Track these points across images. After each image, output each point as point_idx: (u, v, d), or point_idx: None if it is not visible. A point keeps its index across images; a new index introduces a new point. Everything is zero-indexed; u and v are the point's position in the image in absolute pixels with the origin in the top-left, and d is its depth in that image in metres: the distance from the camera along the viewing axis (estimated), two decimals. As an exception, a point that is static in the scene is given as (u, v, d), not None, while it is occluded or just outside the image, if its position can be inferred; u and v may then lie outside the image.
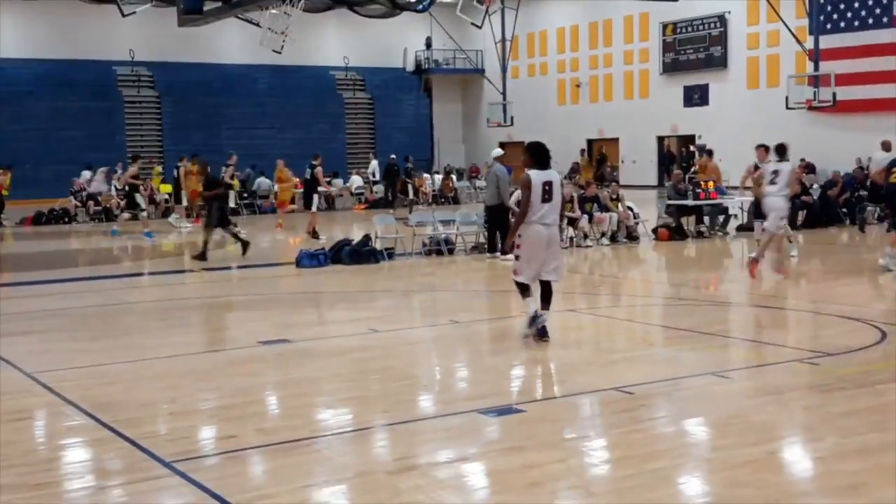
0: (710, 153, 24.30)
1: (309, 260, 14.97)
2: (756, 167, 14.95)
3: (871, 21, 32.32)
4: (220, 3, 23.31)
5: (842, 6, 32.97)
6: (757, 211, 15.22)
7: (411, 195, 27.02)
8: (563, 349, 8.94)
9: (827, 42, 31.94)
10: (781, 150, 13.86)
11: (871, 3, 32.24)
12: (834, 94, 30.00)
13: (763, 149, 14.90)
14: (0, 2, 35.22)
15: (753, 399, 6.84)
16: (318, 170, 21.17)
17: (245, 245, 16.73)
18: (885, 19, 31.95)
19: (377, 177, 33.03)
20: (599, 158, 39.97)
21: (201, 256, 16.02)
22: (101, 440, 6.10)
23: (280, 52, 25.73)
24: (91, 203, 27.45)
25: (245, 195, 29.64)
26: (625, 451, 5.73)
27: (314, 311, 11.29)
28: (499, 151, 16.96)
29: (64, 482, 5.43)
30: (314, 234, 19.64)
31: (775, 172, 13.18)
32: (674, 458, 5.57)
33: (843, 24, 32.92)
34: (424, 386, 7.67)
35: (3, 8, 36.66)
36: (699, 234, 17.33)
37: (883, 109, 31.65)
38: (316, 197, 21.02)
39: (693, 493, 5.16)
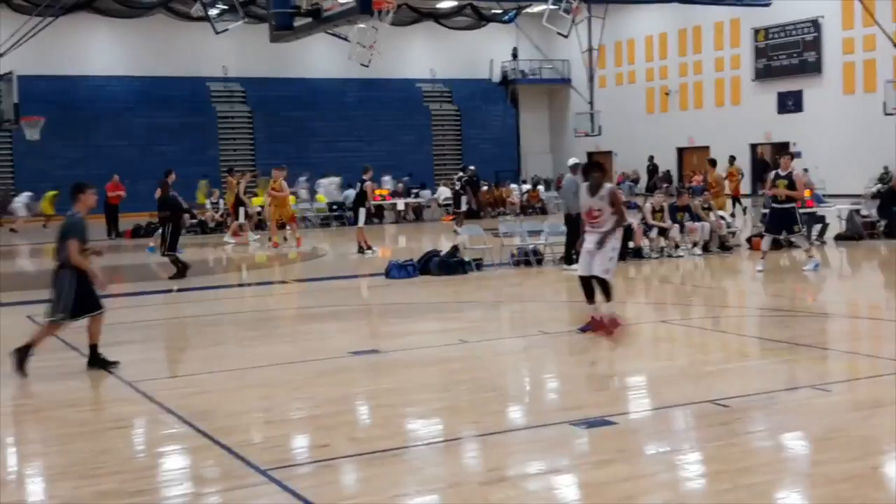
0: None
1: (398, 271, 15.07)
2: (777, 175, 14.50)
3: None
4: (310, 19, 23.69)
5: (942, 7, 31.91)
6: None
7: (464, 206, 26.26)
8: (656, 361, 8.82)
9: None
10: None
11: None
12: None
13: (789, 157, 14.87)
14: (100, 21, 36.40)
15: (854, 413, 6.65)
16: (368, 184, 20.14)
17: (182, 269, 15.82)
18: None
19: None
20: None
21: (179, 274, 15.59)
22: (198, 448, 6.22)
23: (368, 66, 25.99)
24: (187, 216, 28.11)
25: (335, 207, 29.96)
26: (720, 465, 5.61)
27: (403, 321, 11.35)
28: (575, 160, 16.81)
29: (162, 489, 5.56)
30: (364, 249, 19.25)
31: None
32: (771, 472, 5.43)
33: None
34: (514, 397, 7.64)
35: (102, 26, 37.89)
36: (790, 244, 16.90)
37: None
38: (363, 211, 20.02)
39: (793, 508, 5.03)
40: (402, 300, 13.09)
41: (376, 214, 29.07)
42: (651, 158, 41.24)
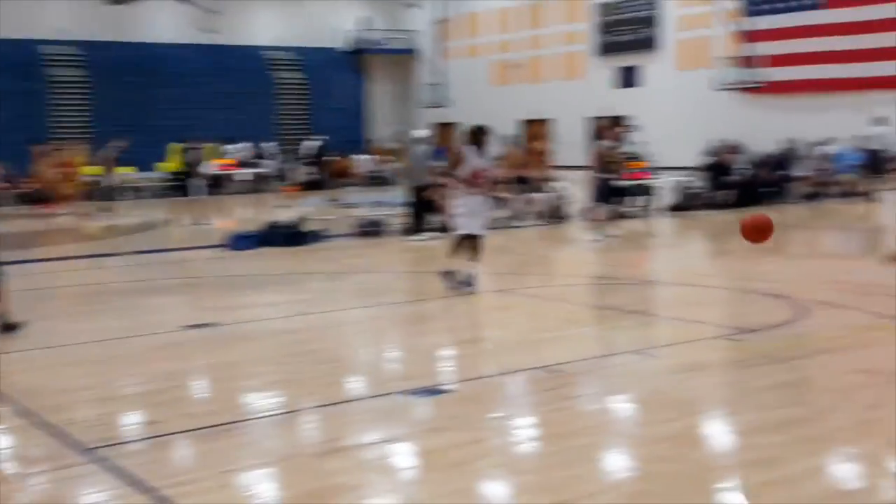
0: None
1: (240, 242, 14.85)
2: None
3: (801, 3, 32.91)
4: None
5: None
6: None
7: (304, 177, 25.86)
8: (492, 329, 9.02)
9: (758, 24, 32.41)
10: None
11: (801, -16, 32.79)
12: (764, 76, 30.48)
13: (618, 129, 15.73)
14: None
15: (675, 375, 6.98)
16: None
17: None
18: (815, 1, 32.57)
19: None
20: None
21: None
22: (23, 427, 6.00)
23: (217, 33, 25.25)
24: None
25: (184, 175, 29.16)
26: (548, 429, 5.81)
27: (243, 294, 11.20)
28: (422, 132, 17.13)
29: (-19, 471, 5.34)
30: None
31: None
32: (596, 434, 5.67)
33: (774, 6, 33.47)
34: (351, 368, 7.68)
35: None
36: (621, 216, 17.51)
37: (813, 90, 32.31)
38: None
39: (614, 468, 5.26)
40: (243, 272, 12.92)
41: (218, 185, 28.51)
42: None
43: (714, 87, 31.86)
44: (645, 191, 19.36)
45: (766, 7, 33.24)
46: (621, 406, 6.39)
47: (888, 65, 30.42)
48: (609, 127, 16.44)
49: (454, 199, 10.46)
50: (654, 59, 37.47)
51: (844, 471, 5.10)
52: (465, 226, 10.38)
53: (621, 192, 15.44)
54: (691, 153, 26.40)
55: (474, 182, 10.30)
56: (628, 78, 38.45)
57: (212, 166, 29.93)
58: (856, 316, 8.88)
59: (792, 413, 5.91)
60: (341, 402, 6.53)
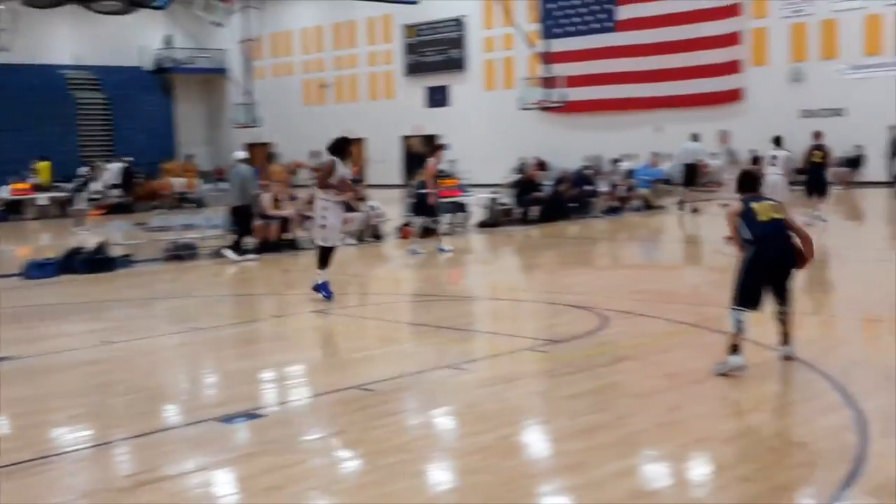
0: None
1: (37, 270, 14.12)
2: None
3: (596, 26, 34.52)
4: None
5: (570, 11, 35.00)
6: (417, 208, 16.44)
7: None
8: (307, 350, 8.96)
9: (557, 45, 33.74)
10: (777, 141, 18.66)
11: (596, 9, 34.41)
12: (564, 95, 31.71)
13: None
14: None
15: (489, 388, 7.14)
16: None
17: None
18: (609, 24, 34.22)
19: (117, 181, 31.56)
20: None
21: None
22: None
23: (7, 50, 24.01)
24: None
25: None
26: (365, 448, 5.82)
27: (41, 324, 10.63)
28: (242, 153, 16.95)
29: None
30: None
31: (774, 157, 17.70)
32: (413, 450, 5.72)
33: (571, 29, 34.96)
34: (161, 396, 7.43)
35: None
36: (433, 232, 17.81)
37: (609, 109, 33.93)
38: None
39: (430, 483, 5.33)
40: (41, 301, 12.29)
41: (14, 210, 27.07)
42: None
43: (519, 107, 32.89)
44: (457, 208, 19.72)
45: (562, 30, 34.70)
46: (437, 421, 6.48)
47: (677, 84, 32.36)
48: (438, 146, 17.05)
49: (321, 210, 11.07)
50: (462, 79, 38.37)
51: (649, 471, 5.36)
52: (331, 238, 11.17)
53: (437, 209, 16.17)
54: (500, 170, 27.18)
55: (342, 191, 11.11)
56: (438, 97, 39.20)
57: (6, 191, 28.34)
58: (656, 323, 9.34)
59: (598, 419, 6.16)
60: (152, 433, 6.31)
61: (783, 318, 7.36)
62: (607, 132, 33.35)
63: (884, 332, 9.09)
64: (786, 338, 7.44)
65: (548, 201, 21.07)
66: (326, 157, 11.33)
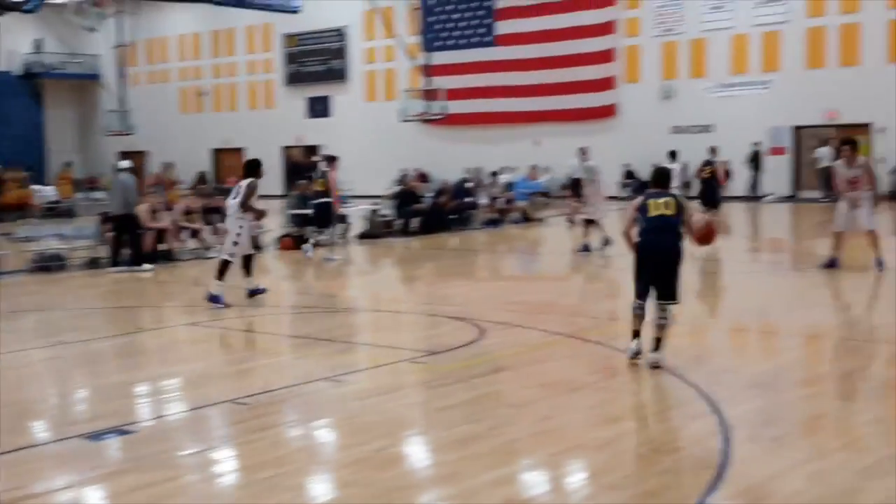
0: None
1: None
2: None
3: (476, 40, 34.95)
4: None
5: (450, 25, 35.35)
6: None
7: None
8: (182, 364, 8.78)
9: (438, 58, 34.01)
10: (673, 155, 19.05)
11: (475, 23, 34.84)
12: (444, 108, 31.97)
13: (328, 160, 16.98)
14: None
15: (367, 400, 7.14)
16: None
17: None
18: (488, 39, 34.69)
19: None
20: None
21: None
22: None
23: None
24: None
25: None
26: (241, 462, 5.76)
27: None
28: (125, 162, 16.61)
29: None
30: None
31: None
32: (289, 464, 5.68)
33: (451, 42, 35.30)
34: (28, 413, 7.17)
35: None
36: (317, 244, 17.74)
37: (489, 122, 34.38)
38: None
39: (306, 497, 5.30)
40: None
41: None
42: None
43: (400, 119, 33.01)
44: (339, 219, 19.64)
45: (443, 43, 35.02)
46: (314, 434, 6.46)
47: (555, 99, 33.04)
48: (332, 157, 17.36)
49: (237, 228, 11.76)
50: (344, 90, 38.28)
51: (522, 480, 5.45)
52: (237, 254, 11.83)
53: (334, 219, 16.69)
54: (381, 182, 27.21)
55: (259, 216, 12.41)
56: (319, 108, 39.01)
57: None
58: (532, 334, 9.51)
59: (473, 429, 6.23)
60: (18, 450, 6.09)
61: (660, 322, 7.71)
62: (487, 145, 33.79)
63: (750, 341, 9.49)
64: (657, 343, 7.75)
65: (428, 213, 21.20)
66: (244, 180, 11.83)
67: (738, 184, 29.65)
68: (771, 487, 5.09)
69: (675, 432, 6.30)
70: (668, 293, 7.69)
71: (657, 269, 7.69)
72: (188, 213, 17.21)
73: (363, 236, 19.99)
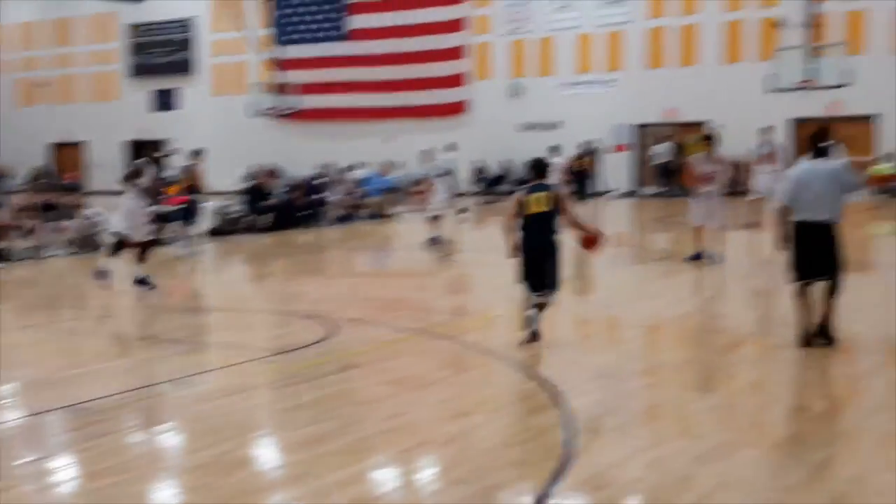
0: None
1: None
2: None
3: (328, 34, 34.69)
4: None
5: (302, 18, 34.95)
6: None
7: None
8: (16, 369, 8.37)
9: (290, 52, 33.60)
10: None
11: (328, 17, 34.58)
12: (296, 103, 31.63)
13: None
14: None
15: (212, 402, 6.99)
16: None
17: None
18: (341, 33, 34.49)
19: None
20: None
21: None
22: None
23: None
24: None
25: None
26: (75, 471, 5.55)
27: None
28: None
29: None
30: None
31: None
32: (126, 471, 5.49)
33: (304, 36, 34.92)
34: None
35: None
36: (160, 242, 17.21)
37: (341, 118, 34.20)
38: None
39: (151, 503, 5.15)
40: None
41: None
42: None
43: (250, 114, 32.47)
44: (186, 215, 19.16)
45: (295, 37, 34.64)
46: (157, 439, 6.27)
47: (407, 95, 33.16)
48: (198, 151, 17.30)
49: (139, 209, 12.48)
50: (191, 82, 37.37)
51: (372, 478, 5.44)
52: (148, 232, 12.61)
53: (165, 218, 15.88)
54: (231, 177, 26.69)
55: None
56: (165, 101, 37.95)
57: None
58: (382, 331, 9.51)
59: (323, 428, 6.19)
60: None
61: (543, 301, 8.32)
62: (339, 141, 33.59)
63: (593, 332, 9.77)
64: (534, 334, 8.30)
65: (279, 209, 20.94)
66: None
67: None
68: (612, 476, 5.25)
69: (521, 425, 6.42)
70: (549, 283, 8.32)
71: (536, 263, 8.27)
72: (22, 210, 16.46)
73: (213, 233, 19.56)
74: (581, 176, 19.57)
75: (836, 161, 8.43)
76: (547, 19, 31.36)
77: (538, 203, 8.28)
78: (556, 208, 8.30)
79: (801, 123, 26.85)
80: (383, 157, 31.52)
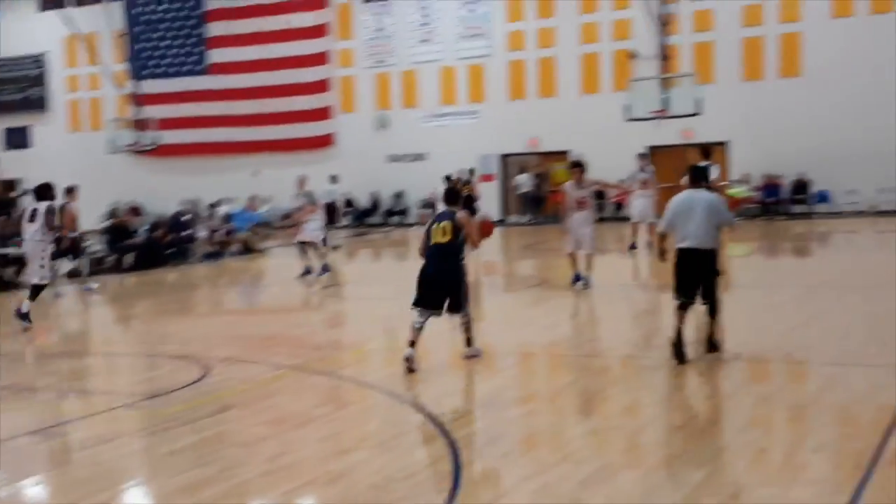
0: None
1: None
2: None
3: (188, 68, 34.10)
4: None
5: (160, 52, 34.28)
6: None
7: None
8: None
9: (148, 87, 32.88)
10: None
11: (186, 50, 34.01)
12: (157, 138, 30.91)
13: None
14: None
15: (80, 452, 6.69)
16: None
17: None
18: (200, 67, 33.95)
19: None
20: None
21: None
22: None
23: None
24: None
25: None
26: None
27: None
28: None
29: None
30: None
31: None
32: (-6, 531, 5.19)
33: (161, 70, 34.23)
34: None
35: None
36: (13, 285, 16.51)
37: (205, 153, 33.61)
38: None
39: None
40: None
41: None
42: None
43: (109, 150, 31.55)
44: (69, 254, 18.41)
45: (153, 71, 33.97)
46: (21, 494, 5.93)
47: (273, 129, 32.89)
48: (71, 188, 17.38)
49: (39, 250, 12.56)
50: (45, 119, 36.12)
51: (254, 522, 5.29)
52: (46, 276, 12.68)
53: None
54: (90, 216, 25.80)
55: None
56: (17, 139, 36.52)
57: None
58: (258, 369, 9.31)
59: (202, 473, 5.99)
60: None
61: (462, 326, 8.99)
62: (204, 176, 32.97)
63: (469, 362, 9.79)
64: (468, 342, 9.04)
65: (143, 247, 20.34)
66: (42, 203, 12.64)
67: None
68: (500, 506, 5.26)
69: (406, 459, 6.36)
70: (453, 307, 8.79)
71: (440, 290, 8.71)
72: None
73: (71, 274, 18.82)
74: (469, 200, 19.91)
75: (712, 194, 9.01)
76: (409, 52, 31.64)
77: (441, 233, 8.75)
78: (457, 237, 8.76)
79: (656, 151, 27.88)
80: (251, 191, 31.16)
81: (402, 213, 31.67)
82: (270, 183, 32.35)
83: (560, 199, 14.32)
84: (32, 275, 12.71)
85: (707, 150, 16.71)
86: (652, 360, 8.86)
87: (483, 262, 21.90)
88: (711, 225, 8.47)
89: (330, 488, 5.69)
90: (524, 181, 30.17)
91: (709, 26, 27.77)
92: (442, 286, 8.72)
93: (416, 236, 22.28)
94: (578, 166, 14.12)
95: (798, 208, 26.84)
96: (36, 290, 12.56)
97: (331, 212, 23.35)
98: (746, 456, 5.95)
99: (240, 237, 23.64)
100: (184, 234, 21.86)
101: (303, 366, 9.29)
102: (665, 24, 23.88)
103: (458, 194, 9.47)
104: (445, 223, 8.80)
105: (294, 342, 11.09)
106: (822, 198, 26.89)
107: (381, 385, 8.26)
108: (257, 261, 22.23)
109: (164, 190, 31.76)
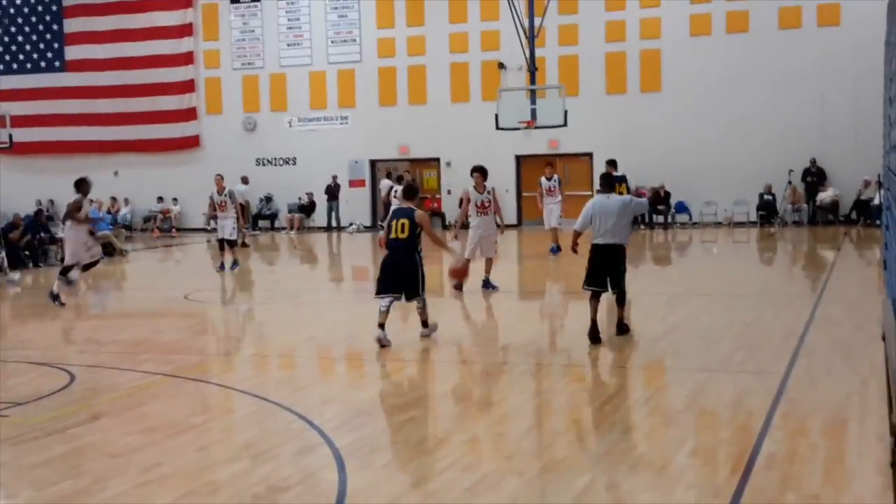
0: None
1: None
2: None
3: (44, 64, 32.78)
4: None
5: (15, 48, 32.89)
6: None
7: None
8: None
9: (2, 83, 31.49)
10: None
11: (43, 46, 32.70)
12: (10, 136, 29.51)
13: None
14: None
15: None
16: None
17: None
18: (58, 63, 32.68)
19: None
20: None
21: None
22: None
23: None
24: None
25: None
26: None
27: None
28: None
29: None
30: None
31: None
32: None
33: (16, 66, 32.84)
34: None
35: None
36: None
37: (63, 152, 32.34)
38: None
39: None
40: None
41: None
42: None
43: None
44: None
45: (6, 66, 32.63)
46: None
47: (135, 129, 31.94)
48: None
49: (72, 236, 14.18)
50: None
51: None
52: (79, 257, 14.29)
53: None
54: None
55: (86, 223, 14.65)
56: None
57: None
58: (128, 376, 8.97)
59: (72, 486, 5.72)
60: None
61: (418, 310, 10.19)
62: (63, 175, 31.55)
63: (346, 369, 9.71)
64: (424, 325, 10.24)
65: (-4, 249, 19.37)
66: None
67: (319, 215, 30.61)
68: (389, 514, 5.21)
69: (289, 468, 6.22)
70: (410, 294, 9.91)
71: (398, 280, 9.79)
72: None
73: (-82, 277, 17.80)
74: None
75: (624, 196, 10.30)
76: (278, 55, 31.24)
77: (400, 229, 9.77)
78: (413, 233, 9.75)
79: (524, 159, 28.37)
80: (113, 191, 30.17)
81: (273, 217, 31.19)
82: (131, 183, 31.44)
83: (436, 205, 14.52)
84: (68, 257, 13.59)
85: (615, 162, 19.16)
86: (533, 365, 8.96)
87: (352, 267, 21.81)
88: (624, 223, 9.71)
89: (212, 499, 5.52)
90: (385, 186, 30.12)
91: (574, 40, 28.40)
92: (399, 276, 9.77)
93: (283, 241, 21.85)
94: (480, 171, 14.18)
95: (658, 219, 27.73)
96: (65, 270, 13.30)
97: (244, 211, 24.30)
98: (626, 461, 6.07)
99: (101, 237, 22.78)
100: (42, 235, 20.95)
101: (176, 372, 9.01)
102: (532, 36, 24.26)
103: (416, 190, 10.53)
104: (404, 220, 9.82)
105: (164, 348, 10.72)
106: (681, 208, 27.87)
107: (257, 392, 8.09)
108: (120, 264, 21.49)
109: (19, 189, 30.46)
